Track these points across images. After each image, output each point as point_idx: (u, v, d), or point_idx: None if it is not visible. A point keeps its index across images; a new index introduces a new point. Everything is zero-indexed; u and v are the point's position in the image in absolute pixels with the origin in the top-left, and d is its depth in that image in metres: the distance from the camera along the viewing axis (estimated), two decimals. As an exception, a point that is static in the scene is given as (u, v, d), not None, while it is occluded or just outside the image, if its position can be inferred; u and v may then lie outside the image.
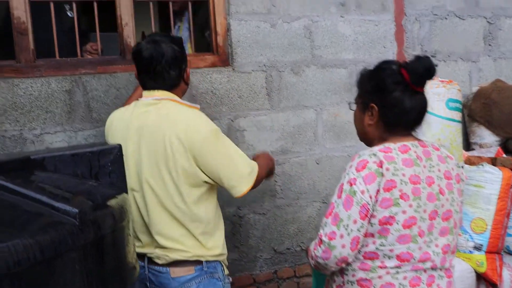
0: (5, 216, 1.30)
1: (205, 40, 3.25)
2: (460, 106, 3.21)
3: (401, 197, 1.69)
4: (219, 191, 2.24)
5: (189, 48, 3.11)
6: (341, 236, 1.70)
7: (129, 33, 2.77)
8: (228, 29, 2.99)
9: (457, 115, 3.16)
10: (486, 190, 3.04)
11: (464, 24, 3.59)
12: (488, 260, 3.04)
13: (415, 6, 3.43)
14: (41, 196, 1.34)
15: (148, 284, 2.18)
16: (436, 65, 1.77)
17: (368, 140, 1.92)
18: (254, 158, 2.36)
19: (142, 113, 2.12)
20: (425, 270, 1.76)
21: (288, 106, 3.15)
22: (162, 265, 2.13)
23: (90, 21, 2.90)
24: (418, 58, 1.77)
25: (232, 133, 2.99)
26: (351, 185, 1.71)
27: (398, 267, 1.73)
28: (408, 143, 1.79)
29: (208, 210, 2.15)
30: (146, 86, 2.16)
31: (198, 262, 2.13)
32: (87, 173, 1.68)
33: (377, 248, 1.72)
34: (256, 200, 3.11)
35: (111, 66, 2.76)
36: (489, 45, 3.67)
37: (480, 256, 3.04)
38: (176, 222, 2.09)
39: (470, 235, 3.07)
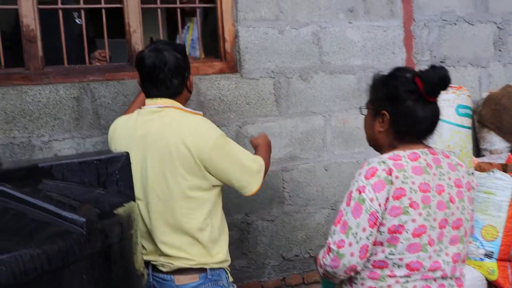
0: (12, 225, 1.30)
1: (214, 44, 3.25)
2: (470, 112, 3.19)
3: (410, 205, 1.67)
4: (226, 198, 2.24)
5: (198, 51, 3.11)
6: (350, 244, 1.69)
7: (137, 40, 2.77)
8: (236, 36, 2.99)
9: (467, 121, 3.13)
10: (497, 197, 3.02)
11: (473, 30, 3.57)
12: (500, 268, 3.01)
13: (424, 12, 3.42)
14: (48, 205, 1.34)
15: None
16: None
17: (378, 146, 1.91)
18: (254, 146, 2.42)
19: (145, 121, 2.12)
20: (435, 279, 1.74)
21: (296, 113, 3.14)
22: (167, 272, 2.13)
23: (98, 27, 2.90)
24: (433, 67, 1.74)
25: (240, 139, 2.98)
26: (360, 192, 1.70)
27: (407, 276, 1.71)
28: (418, 150, 1.78)
29: (214, 215, 2.15)
30: (149, 94, 2.16)
31: (202, 270, 2.12)
32: (94, 181, 1.68)
33: (386, 257, 1.71)
34: (264, 207, 3.10)
35: (119, 73, 2.76)
36: (499, 50, 3.64)
37: (491, 264, 3.01)
38: (180, 231, 2.09)
39: (481, 243, 3.04)
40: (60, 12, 2.67)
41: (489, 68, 3.63)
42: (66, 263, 1.23)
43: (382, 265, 1.72)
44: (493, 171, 3.08)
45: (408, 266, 1.70)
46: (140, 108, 2.21)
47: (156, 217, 2.10)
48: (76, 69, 2.71)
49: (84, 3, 2.72)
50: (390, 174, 1.68)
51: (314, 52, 3.16)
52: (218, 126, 2.18)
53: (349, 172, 3.25)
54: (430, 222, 1.69)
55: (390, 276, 1.72)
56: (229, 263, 2.24)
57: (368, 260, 1.73)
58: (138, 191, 2.09)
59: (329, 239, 1.75)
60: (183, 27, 3.37)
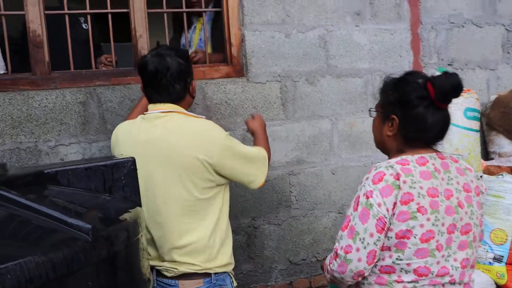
0: (17, 232, 1.30)
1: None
2: (478, 115, 3.17)
3: (418, 210, 1.66)
4: (233, 202, 2.24)
5: (207, 47, 3.11)
6: (357, 250, 1.68)
7: (144, 45, 2.78)
8: (242, 40, 2.98)
9: (475, 125, 3.11)
10: (506, 201, 3.00)
11: (481, 32, 3.55)
12: (509, 272, 3.00)
13: (431, 15, 3.40)
14: (54, 212, 1.33)
15: None
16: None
17: (385, 149, 1.90)
18: (251, 131, 2.47)
19: (149, 126, 2.11)
20: (443, 285, 1.72)
21: (303, 116, 3.13)
22: (171, 277, 2.12)
23: (104, 32, 2.91)
24: (446, 74, 1.72)
25: (247, 144, 2.96)
26: (367, 197, 1.69)
27: (415, 281, 1.70)
28: (426, 155, 1.76)
29: (221, 220, 2.15)
30: (152, 99, 2.16)
31: (207, 275, 2.12)
32: (100, 187, 1.68)
33: (393, 262, 1.69)
34: (271, 211, 3.09)
35: (125, 77, 2.76)
36: (508, 52, 3.62)
37: (501, 268, 2.99)
38: (186, 236, 2.08)
39: (490, 246, 3.02)
40: (67, 17, 2.68)
41: (497, 71, 3.61)
42: (71, 270, 1.22)
43: (389, 270, 1.71)
44: (502, 175, 3.06)
45: (416, 271, 1.69)
46: (143, 113, 2.21)
47: (161, 223, 2.09)
48: (82, 74, 2.71)
49: (90, 8, 2.73)
50: (398, 179, 1.67)
51: (321, 55, 3.15)
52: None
53: (356, 176, 3.24)
54: (438, 227, 1.68)
55: (397, 282, 1.71)
56: (233, 266, 2.23)
57: (375, 265, 1.72)
58: (142, 197, 2.09)
59: (336, 244, 1.74)
60: (190, 27, 3.37)
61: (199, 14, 3.33)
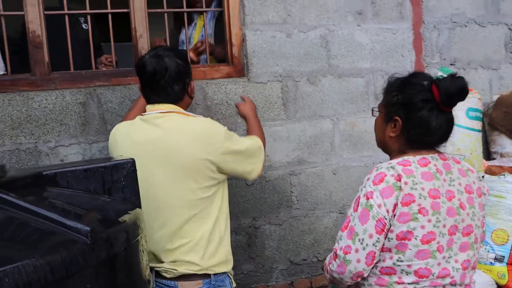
0: (16, 234, 1.29)
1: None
2: (481, 115, 3.16)
3: (419, 211, 1.65)
4: (233, 203, 2.23)
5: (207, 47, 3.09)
6: (356, 251, 1.68)
7: (144, 45, 2.77)
8: (243, 40, 2.97)
9: (478, 125, 3.10)
10: (508, 201, 2.99)
11: (484, 31, 3.53)
12: (510, 272, 3.00)
13: (433, 14, 3.39)
14: (53, 214, 1.33)
15: None
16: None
17: (387, 150, 1.89)
18: (242, 115, 2.50)
19: (148, 127, 2.11)
20: (444, 286, 1.72)
21: (304, 116, 3.12)
22: (170, 279, 2.12)
23: (103, 31, 2.90)
24: (451, 77, 1.70)
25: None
26: (367, 198, 1.68)
27: (416, 283, 1.69)
28: (428, 156, 1.75)
29: (220, 219, 2.15)
30: (150, 100, 2.16)
31: (206, 276, 2.12)
32: (100, 189, 1.68)
33: (394, 264, 1.69)
34: (272, 211, 3.08)
35: (126, 78, 2.76)
36: (511, 52, 3.60)
37: (502, 268, 2.99)
38: (186, 236, 2.08)
39: (491, 246, 3.02)
40: (67, 18, 2.68)
41: (500, 70, 3.59)
42: (70, 273, 1.21)
43: (390, 271, 1.71)
44: (503, 175, 3.05)
45: (416, 273, 1.68)
46: (140, 114, 2.20)
47: (160, 224, 2.09)
48: (82, 75, 2.71)
49: (90, 8, 2.72)
50: (399, 180, 1.66)
51: (322, 55, 3.14)
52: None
53: (358, 176, 3.24)
54: (440, 228, 1.67)
55: (398, 283, 1.70)
56: (232, 264, 2.23)
57: (375, 267, 1.72)
58: (141, 198, 2.08)
59: (336, 244, 1.74)
60: (190, 23, 3.36)
61: (201, 11, 3.33)
